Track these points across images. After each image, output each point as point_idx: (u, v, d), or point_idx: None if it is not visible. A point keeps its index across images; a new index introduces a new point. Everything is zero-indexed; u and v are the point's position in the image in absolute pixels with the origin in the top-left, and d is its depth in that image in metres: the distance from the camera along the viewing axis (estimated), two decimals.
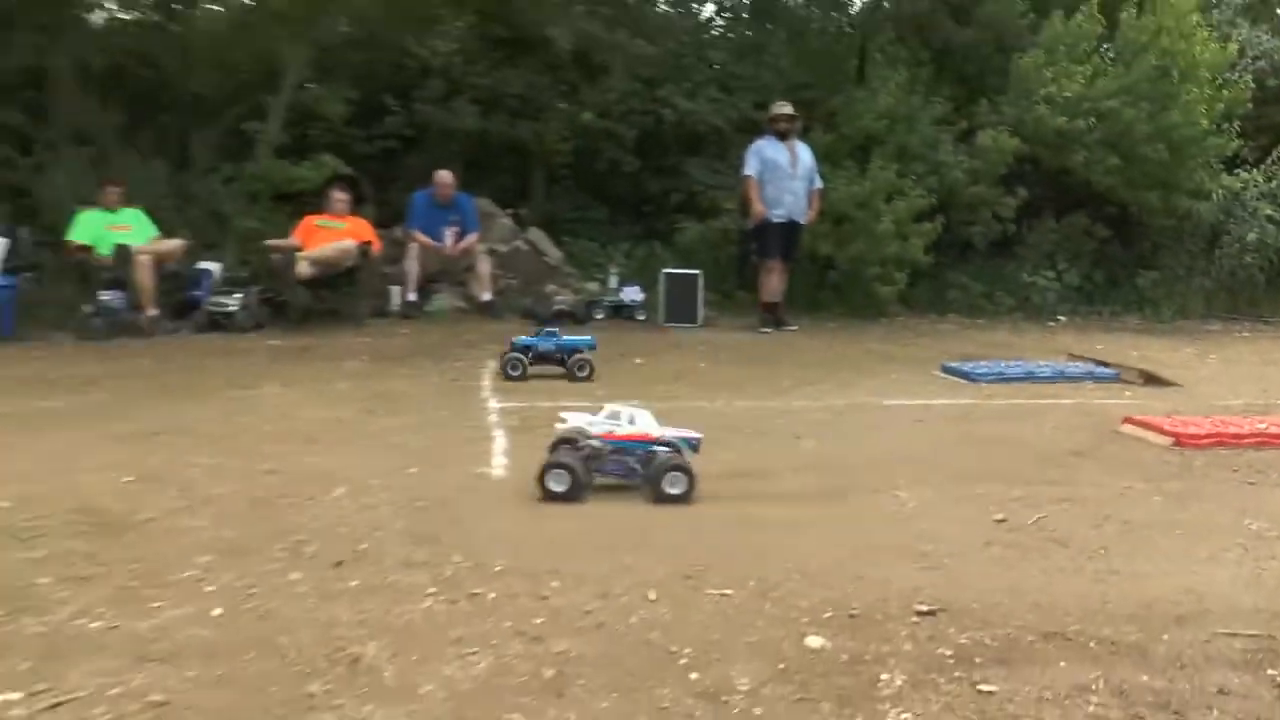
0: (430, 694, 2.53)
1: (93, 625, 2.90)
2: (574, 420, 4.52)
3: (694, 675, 2.62)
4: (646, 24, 14.42)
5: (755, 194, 10.69)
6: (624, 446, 4.33)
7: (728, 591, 3.20)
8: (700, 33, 15.05)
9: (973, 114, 12.70)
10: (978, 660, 2.74)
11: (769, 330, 10.50)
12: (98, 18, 13.80)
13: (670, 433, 4.42)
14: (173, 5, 13.83)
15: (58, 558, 3.41)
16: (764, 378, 7.56)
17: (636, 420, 4.39)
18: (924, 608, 3.07)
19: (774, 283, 10.85)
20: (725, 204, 12.45)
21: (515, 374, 7.14)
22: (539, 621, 2.96)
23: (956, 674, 2.66)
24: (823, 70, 13.76)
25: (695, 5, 15.53)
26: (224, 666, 2.65)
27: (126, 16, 14.11)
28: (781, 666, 2.68)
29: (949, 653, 2.79)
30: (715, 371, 7.78)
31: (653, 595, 3.16)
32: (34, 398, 6.21)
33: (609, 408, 4.47)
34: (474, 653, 2.75)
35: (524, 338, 7.47)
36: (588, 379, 7.18)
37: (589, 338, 7.67)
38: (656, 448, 4.34)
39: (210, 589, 3.17)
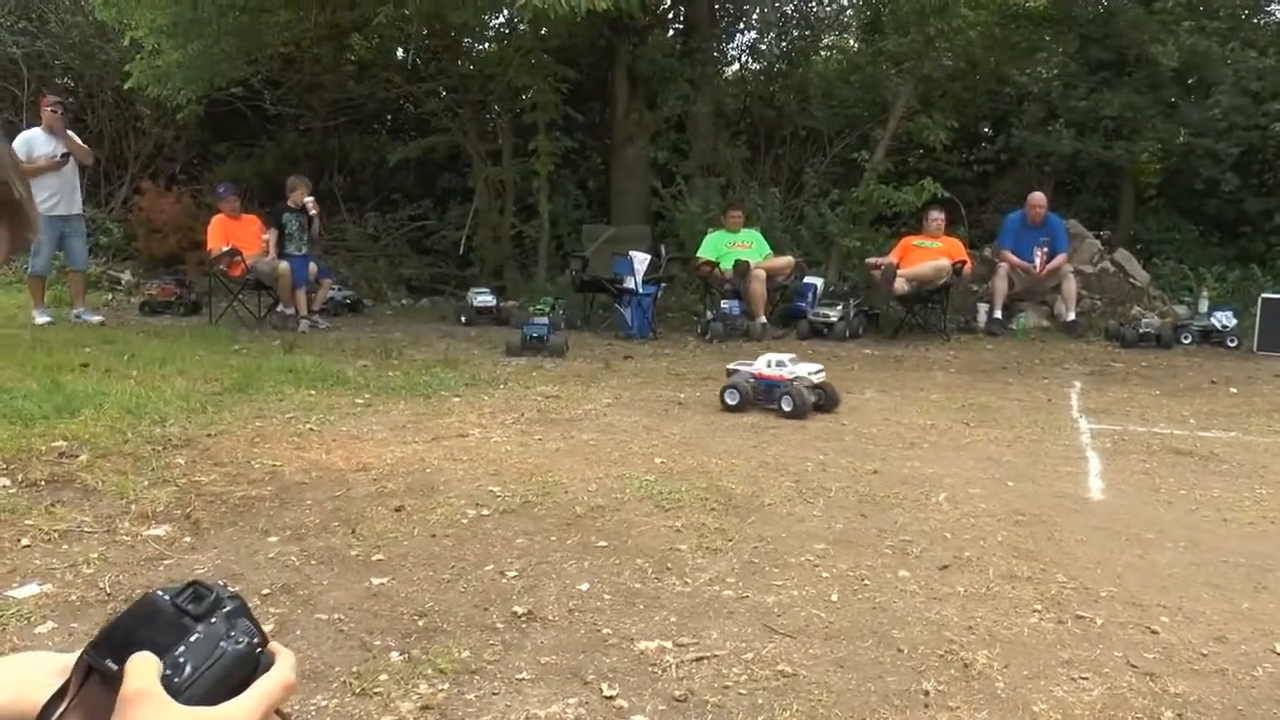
0: (1044, 713, 2.32)
1: (725, 592, 3.00)
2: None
3: None
4: (1260, 34, 12.78)
5: None
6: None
7: None
8: None
9: None
10: None
11: None
12: (732, 69, 14.95)
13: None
14: (793, 54, 14.57)
15: (693, 528, 3.59)
16: None
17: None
18: None
19: None
20: None
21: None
22: (1151, 657, 2.63)
23: None
24: None
25: None
26: (843, 649, 2.62)
27: (755, 66, 15.12)
28: None
29: None
30: None
31: (1279, 648, 2.68)
32: (667, 389, 6.69)
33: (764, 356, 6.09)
34: (1086, 678, 2.50)
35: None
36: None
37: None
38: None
39: (826, 575, 3.16)
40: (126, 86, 11.49)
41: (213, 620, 0.73)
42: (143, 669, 0.69)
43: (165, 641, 0.71)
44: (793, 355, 6.17)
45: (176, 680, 0.70)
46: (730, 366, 6.20)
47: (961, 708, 2.32)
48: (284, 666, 0.75)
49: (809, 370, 5.96)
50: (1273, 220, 11.73)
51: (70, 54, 13.64)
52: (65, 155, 9.07)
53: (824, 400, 5.92)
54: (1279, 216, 11.64)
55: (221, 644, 0.72)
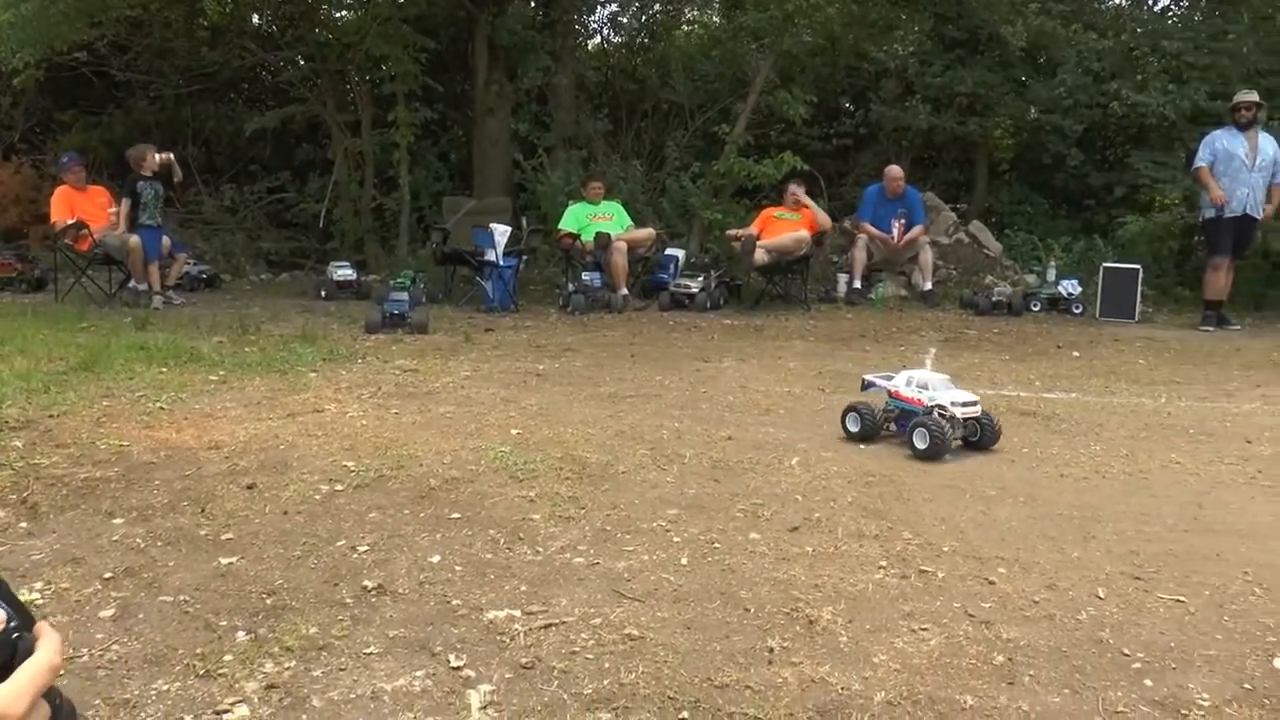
0: (884, 664, 2.38)
1: (576, 560, 3.00)
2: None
3: (1148, 682, 2.32)
4: (1100, 17, 13.40)
5: (1211, 181, 9.52)
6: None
7: (1180, 598, 2.82)
8: (1154, 23, 13.69)
9: None
10: None
11: (1210, 328, 9.33)
12: (593, 42, 14.91)
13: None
14: (654, 28, 14.60)
15: (547, 497, 3.57)
16: (1207, 378, 6.69)
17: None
18: None
19: (1220, 280, 9.60)
20: (1169, 198, 11.30)
21: None
22: (987, 606, 2.73)
23: None
24: None
25: None
26: (691, 611, 2.64)
27: (617, 39, 15.11)
28: (1247, 687, 2.29)
29: None
30: (1154, 368, 7.00)
31: (1101, 593, 2.84)
32: (527, 360, 6.66)
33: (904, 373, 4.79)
34: (925, 629, 2.58)
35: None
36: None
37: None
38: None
39: (677, 539, 3.18)
40: None
41: None
42: None
43: None
44: (945, 377, 4.73)
45: None
46: (866, 378, 4.97)
47: (804, 662, 2.37)
48: (49, 648, 0.71)
49: (958, 400, 4.54)
50: (1113, 193, 12.29)
51: None
52: None
53: (980, 437, 4.55)
54: (1119, 190, 12.20)
55: None
